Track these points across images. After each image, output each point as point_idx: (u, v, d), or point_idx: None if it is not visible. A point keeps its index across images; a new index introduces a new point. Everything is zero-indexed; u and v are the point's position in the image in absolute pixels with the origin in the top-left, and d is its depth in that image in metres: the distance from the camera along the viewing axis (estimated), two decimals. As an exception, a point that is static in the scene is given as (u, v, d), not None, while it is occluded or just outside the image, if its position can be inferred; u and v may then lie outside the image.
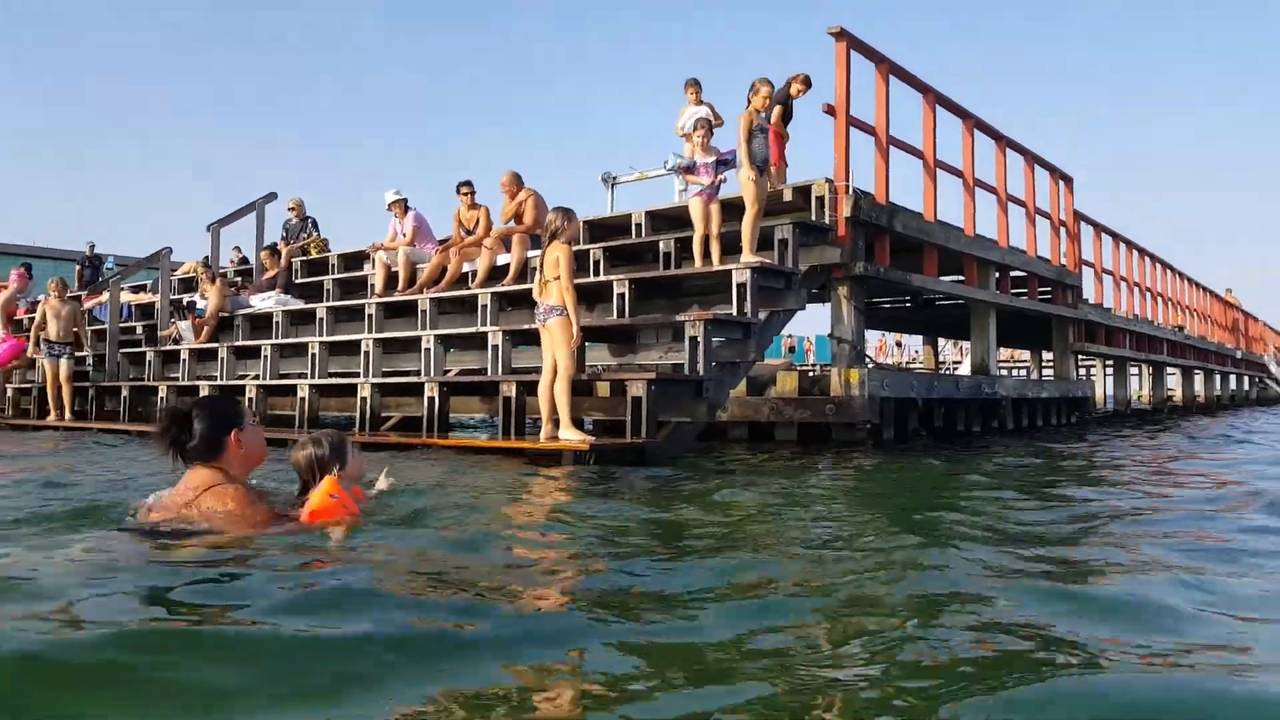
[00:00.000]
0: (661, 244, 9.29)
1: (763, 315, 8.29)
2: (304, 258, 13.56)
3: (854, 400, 8.86)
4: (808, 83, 9.73)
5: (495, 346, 8.64)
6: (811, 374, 10.12)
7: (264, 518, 3.14)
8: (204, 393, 10.68)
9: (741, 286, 7.96)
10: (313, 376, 10.14)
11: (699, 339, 7.45)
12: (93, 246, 19.25)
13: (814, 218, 8.96)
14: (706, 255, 8.36)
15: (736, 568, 2.98)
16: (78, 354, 12.57)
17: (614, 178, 12.50)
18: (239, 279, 13.90)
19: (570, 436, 6.85)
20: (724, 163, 8.72)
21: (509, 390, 7.72)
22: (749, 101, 8.33)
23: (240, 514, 3.08)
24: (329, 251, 13.60)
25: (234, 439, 3.18)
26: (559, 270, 6.97)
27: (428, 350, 9.17)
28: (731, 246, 8.90)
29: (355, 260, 12.79)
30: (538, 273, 7.26)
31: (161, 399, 11.30)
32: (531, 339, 8.87)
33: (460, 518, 3.84)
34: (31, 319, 16.02)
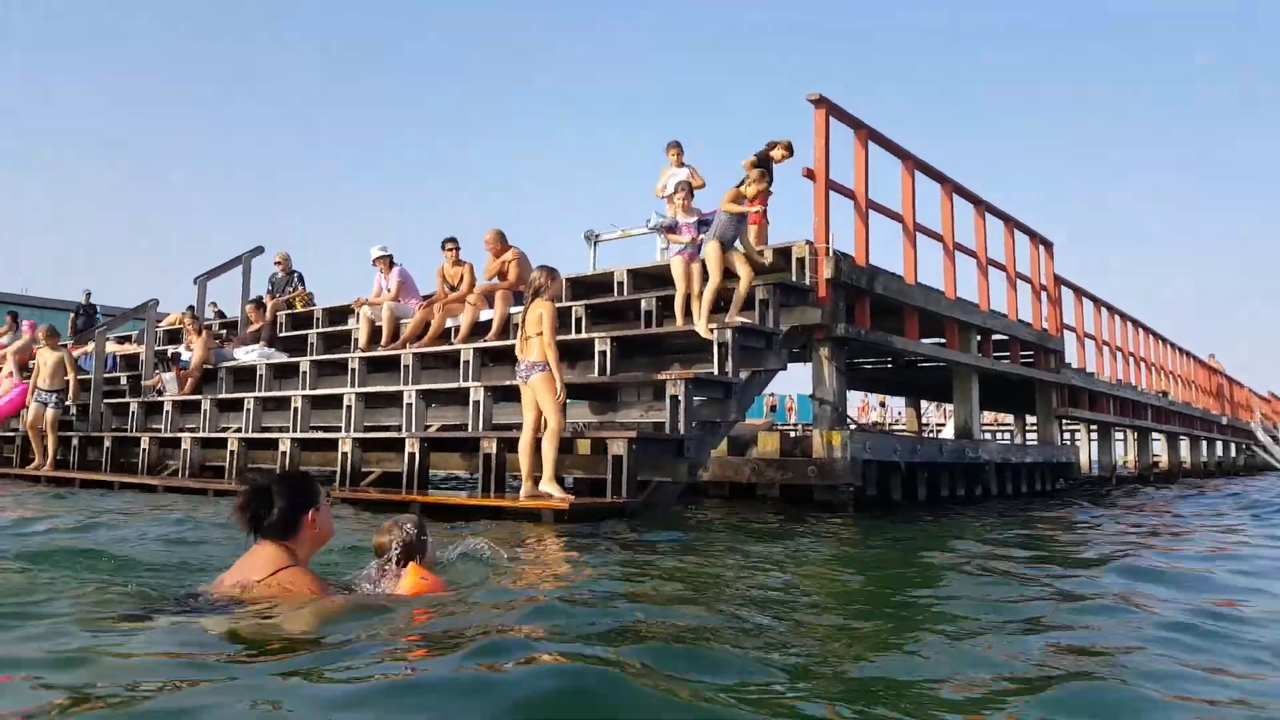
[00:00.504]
0: (643, 302, 9.35)
1: (744, 375, 8.34)
2: (289, 311, 13.60)
3: (836, 463, 8.86)
4: (790, 149, 9.90)
5: (477, 402, 8.65)
6: (793, 435, 10.13)
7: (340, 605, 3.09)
8: (185, 445, 10.66)
9: (723, 346, 8.01)
10: (295, 430, 10.12)
11: (680, 398, 7.49)
12: (88, 295, 19.20)
13: (795, 279, 9.04)
14: (688, 314, 8.42)
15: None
16: (65, 402, 12.52)
17: (596, 235, 12.60)
18: (224, 331, 13.91)
19: (553, 491, 6.85)
20: (705, 223, 8.83)
21: (489, 446, 7.71)
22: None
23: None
24: (314, 305, 13.64)
25: (310, 518, 3.18)
26: (541, 326, 7.03)
27: (409, 405, 9.18)
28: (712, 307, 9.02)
29: (340, 314, 12.83)
30: (520, 329, 7.33)
31: (144, 450, 11.26)
32: (513, 395, 8.88)
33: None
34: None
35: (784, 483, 9.16)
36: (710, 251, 8.28)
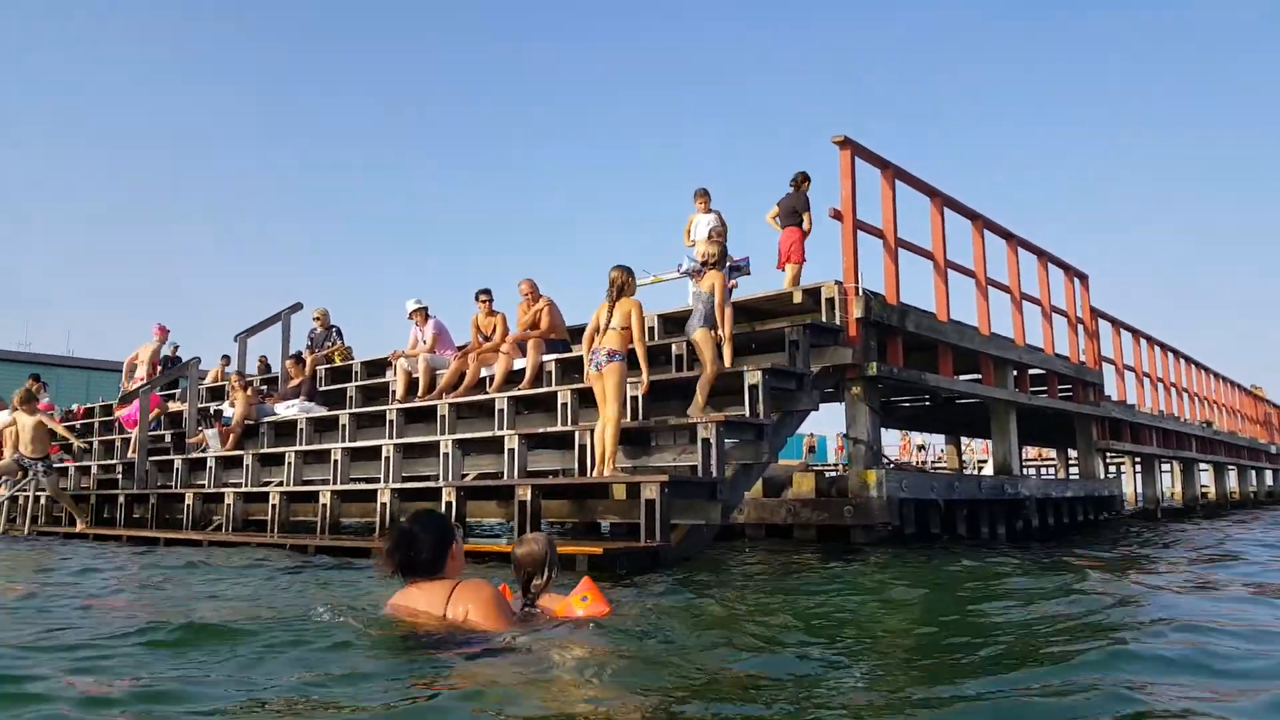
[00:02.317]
0: (674, 346, 9.42)
1: (775, 417, 8.36)
2: (328, 365, 13.81)
3: (872, 501, 8.85)
4: (807, 177, 10.18)
5: (511, 450, 8.73)
6: (829, 475, 10.10)
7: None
8: (228, 499, 10.82)
9: (754, 388, 8.05)
10: (335, 482, 10.25)
11: (711, 440, 7.52)
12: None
13: (825, 319, 9.08)
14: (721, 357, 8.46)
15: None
16: (55, 465, 12.52)
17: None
18: (265, 387, 14.14)
19: (615, 474, 7.57)
20: (736, 268, 8.90)
21: (524, 494, 7.77)
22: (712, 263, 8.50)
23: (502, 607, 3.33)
24: (353, 359, 13.84)
25: (454, 551, 3.39)
26: (628, 322, 7.65)
27: (446, 454, 9.27)
28: (743, 349, 9.08)
29: (378, 367, 13.01)
30: (600, 327, 7.80)
31: (188, 505, 11.44)
32: (549, 443, 9.00)
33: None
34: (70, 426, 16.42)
35: (820, 524, 9.13)
36: (700, 340, 8.16)
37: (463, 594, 3.24)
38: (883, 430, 10.56)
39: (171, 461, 13.13)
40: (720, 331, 8.29)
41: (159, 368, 15.73)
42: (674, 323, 10.26)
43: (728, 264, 8.90)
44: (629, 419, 8.56)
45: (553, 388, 9.63)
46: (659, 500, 7.01)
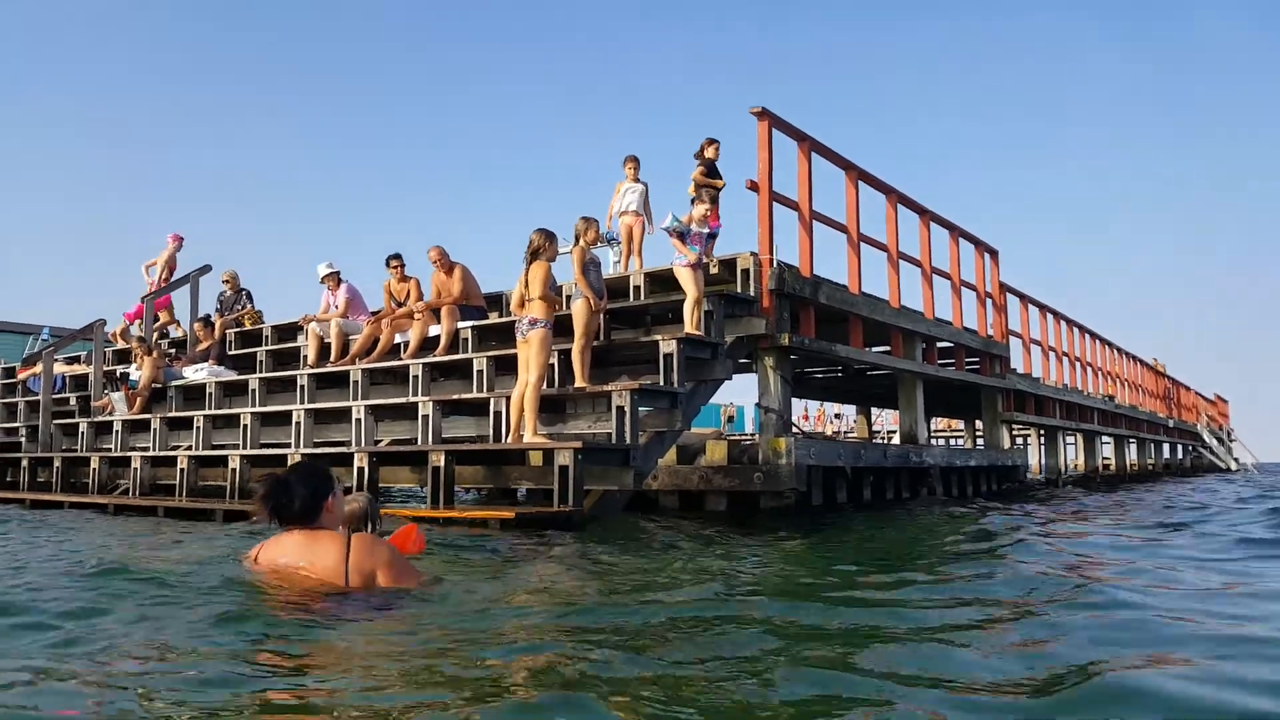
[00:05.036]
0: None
1: (689, 385, 8.47)
2: (238, 329, 13.58)
3: (781, 469, 9.02)
4: (714, 142, 10.22)
5: (425, 416, 8.71)
6: (742, 443, 10.26)
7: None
8: (135, 464, 10.60)
9: (669, 357, 8.14)
10: (245, 447, 10.11)
11: (625, 408, 7.60)
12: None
13: (739, 290, 9.19)
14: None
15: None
16: None
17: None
18: (173, 350, 13.84)
19: (535, 441, 7.54)
20: (714, 236, 8.96)
21: (438, 460, 7.77)
22: (577, 238, 8.31)
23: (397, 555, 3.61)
24: (263, 323, 13.62)
25: (329, 503, 3.50)
26: (542, 287, 7.61)
27: (359, 420, 9.21)
28: (660, 318, 9.19)
29: (289, 331, 12.82)
30: (517, 290, 7.90)
31: (93, 469, 11.18)
32: (462, 409, 9.00)
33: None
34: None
35: (731, 490, 9.29)
36: (578, 309, 8.22)
37: (364, 556, 3.38)
38: (797, 400, 10.74)
39: (77, 425, 12.82)
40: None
41: (172, 272, 15.24)
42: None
43: (708, 230, 8.85)
44: (545, 387, 8.60)
45: (469, 354, 9.62)
46: (572, 466, 7.08)
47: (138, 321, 14.91)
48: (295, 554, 3.39)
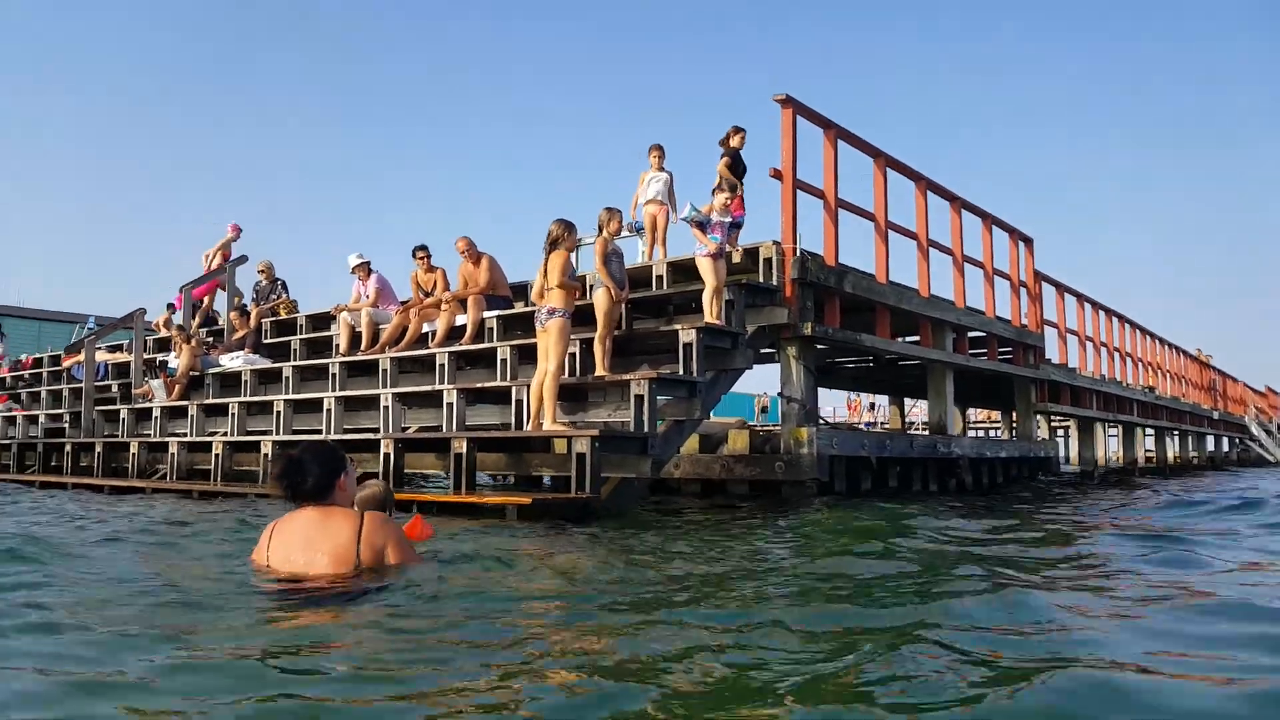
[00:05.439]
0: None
1: (709, 375, 8.50)
2: (273, 318, 13.81)
3: (803, 458, 9.04)
4: (740, 131, 10.16)
5: (450, 404, 8.84)
6: (764, 433, 10.28)
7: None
8: (172, 449, 10.85)
9: (688, 346, 8.18)
10: (277, 433, 10.31)
11: (644, 397, 7.66)
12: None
13: (762, 279, 9.21)
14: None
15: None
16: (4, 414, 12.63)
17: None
18: (210, 339, 14.12)
19: (552, 428, 7.69)
20: (736, 225, 8.99)
21: (460, 447, 7.88)
22: (600, 229, 8.34)
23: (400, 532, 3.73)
24: (298, 313, 13.84)
25: (341, 482, 3.61)
26: (560, 276, 7.74)
27: (387, 408, 9.37)
28: (683, 308, 9.23)
29: (323, 321, 13.04)
30: (537, 280, 8.05)
31: (133, 454, 11.46)
32: (486, 397, 9.12)
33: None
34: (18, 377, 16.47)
35: (752, 479, 9.33)
36: (599, 298, 8.28)
37: (375, 533, 3.49)
38: (830, 390, 10.73)
39: (118, 411, 13.13)
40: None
41: (229, 256, 15.56)
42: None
43: (730, 220, 8.87)
44: (566, 376, 8.68)
45: (493, 344, 9.73)
46: (589, 454, 7.15)
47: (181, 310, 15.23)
48: (307, 530, 3.49)
